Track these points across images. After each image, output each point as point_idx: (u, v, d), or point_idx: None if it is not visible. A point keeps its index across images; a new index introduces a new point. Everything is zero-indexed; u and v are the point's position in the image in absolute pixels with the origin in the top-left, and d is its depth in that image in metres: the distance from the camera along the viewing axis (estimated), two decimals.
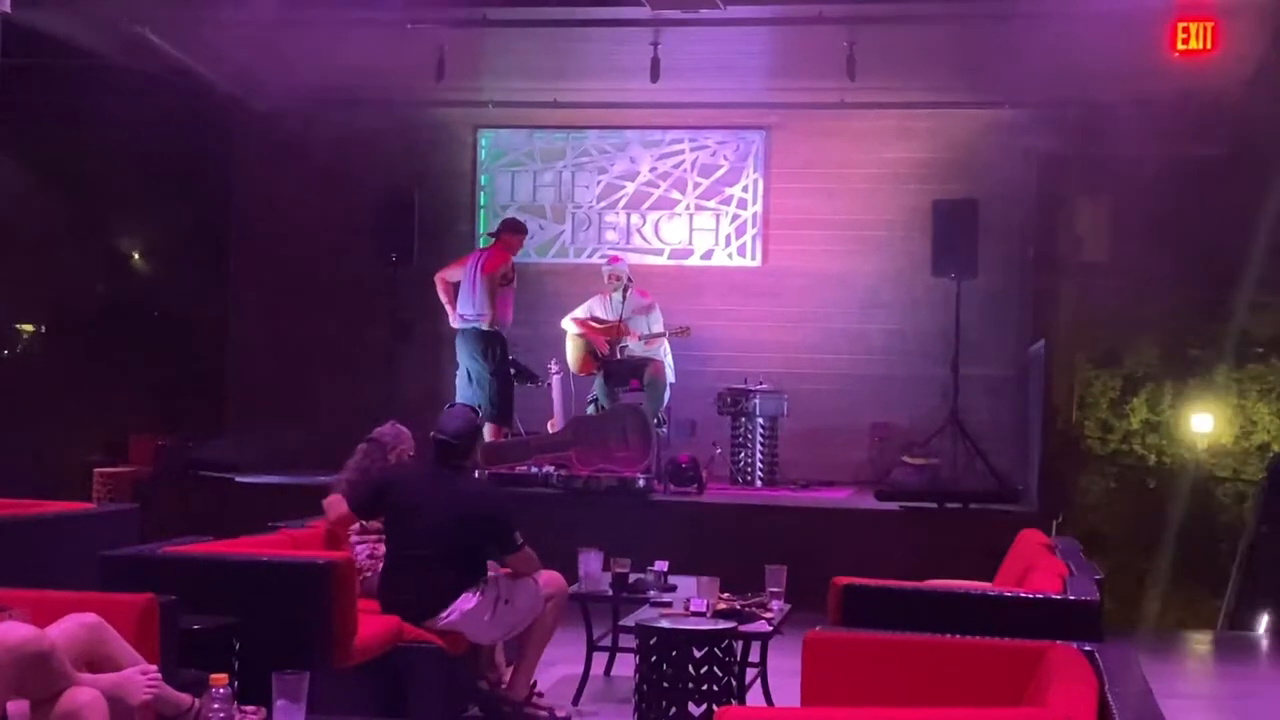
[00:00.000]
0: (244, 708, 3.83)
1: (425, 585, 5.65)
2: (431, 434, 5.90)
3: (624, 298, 10.45)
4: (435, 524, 5.67)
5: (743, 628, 5.55)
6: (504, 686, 5.98)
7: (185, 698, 3.82)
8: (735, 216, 11.88)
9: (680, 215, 11.98)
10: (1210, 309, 12.00)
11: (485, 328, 9.96)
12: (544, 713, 5.91)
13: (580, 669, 6.38)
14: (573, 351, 10.61)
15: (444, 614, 5.63)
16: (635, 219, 12.03)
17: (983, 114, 11.27)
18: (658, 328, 10.51)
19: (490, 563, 5.85)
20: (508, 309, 10.07)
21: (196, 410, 12.40)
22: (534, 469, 9.71)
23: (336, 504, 5.94)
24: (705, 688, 4.97)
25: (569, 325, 10.65)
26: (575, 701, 6.29)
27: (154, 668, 3.78)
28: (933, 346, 10.95)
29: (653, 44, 10.10)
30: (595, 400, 10.37)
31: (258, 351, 12.12)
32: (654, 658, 5.02)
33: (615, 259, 10.81)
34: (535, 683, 6.08)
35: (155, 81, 10.67)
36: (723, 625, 5.22)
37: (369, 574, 5.98)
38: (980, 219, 10.56)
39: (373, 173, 11.58)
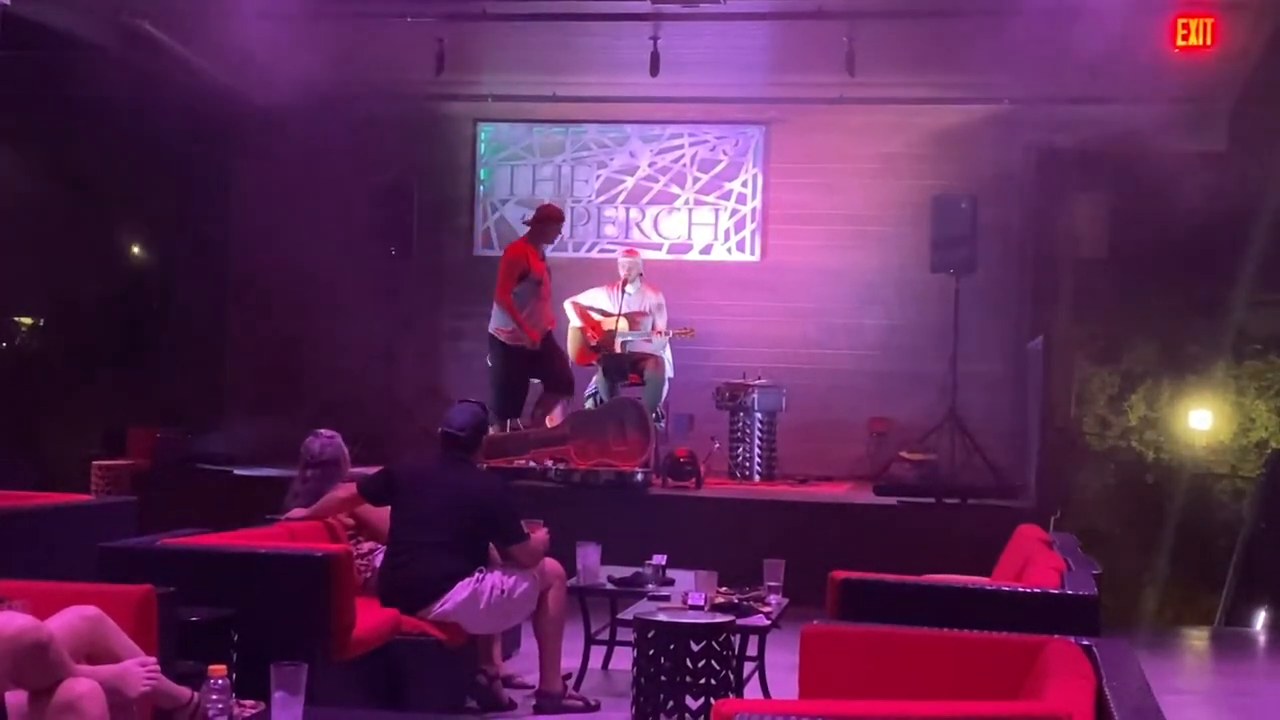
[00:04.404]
0: (242, 701, 3.84)
1: (422, 572, 5.70)
2: (440, 428, 6.00)
3: (635, 291, 10.44)
4: (437, 511, 5.76)
5: (741, 621, 5.56)
6: (499, 679, 6.01)
7: (184, 691, 3.82)
8: (734, 211, 11.87)
9: (679, 210, 11.98)
10: (1209, 306, 11.95)
11: None
12: (580, 703, 6.01)
13: (578, 662, 6.38)
14: (572, 342, 10.60)
15: (439, 603, 5.66)
16: (634, 213, 12.03)
17: (982, 109, 11.25)
18: (661, 325, 10.49)
19: (492, 557, 5.88)
20: None
21: (195, 403, 12.36)
22: (532, 463, 9.70)
23: (346, 487, 6.05)
24: (703, 681, 4.96)
25: (569, 309, 10.60)
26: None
27: (153, 660, 3.78)
28: (931, 342, 10.92)
29: (652, 38, 10.10)
30: (594, 394, 10.36)
31: (256, 344, 12.10)
32: (652, 651, 5.01)
33: (631, 252, 10.76)
34: (570, 675, 6.16)
35: (154, 74, 10.65)
36: (721, 619, 5.21)
37: (368, 575, 6.01)
38: (979, 214, 10.56)
39: (372, 166, 11.56)
